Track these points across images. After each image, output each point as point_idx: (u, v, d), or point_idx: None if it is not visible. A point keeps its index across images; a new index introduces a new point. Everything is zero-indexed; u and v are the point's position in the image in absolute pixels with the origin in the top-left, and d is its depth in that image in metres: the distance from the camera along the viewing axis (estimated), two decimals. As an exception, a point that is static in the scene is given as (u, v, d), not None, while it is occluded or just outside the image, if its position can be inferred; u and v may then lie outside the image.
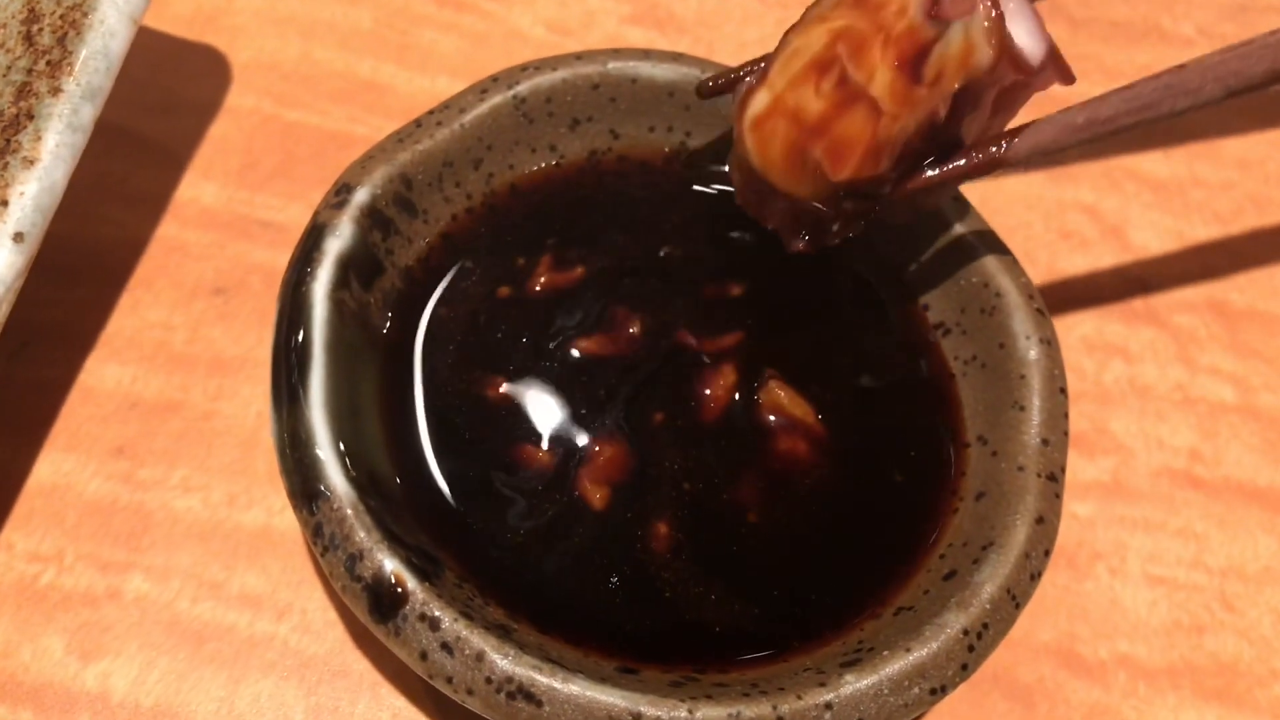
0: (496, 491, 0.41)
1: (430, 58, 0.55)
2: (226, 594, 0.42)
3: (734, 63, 0.54)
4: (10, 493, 0.43)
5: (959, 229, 0.46)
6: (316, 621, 0.42)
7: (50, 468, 0.43)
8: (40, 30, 0.42)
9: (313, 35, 0.54)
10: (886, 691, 0.37)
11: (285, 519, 0.44)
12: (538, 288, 0.45)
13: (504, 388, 0.43)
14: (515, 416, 0.43)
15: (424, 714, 0.41)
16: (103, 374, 0.45)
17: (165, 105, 0.50)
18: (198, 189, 0.50)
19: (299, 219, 0.49)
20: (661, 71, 0.47)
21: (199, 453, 0.44)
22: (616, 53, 0.47)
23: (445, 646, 0.36)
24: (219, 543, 0.43)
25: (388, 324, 0.43)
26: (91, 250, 0.47)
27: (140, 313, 0.47)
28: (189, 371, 0.46)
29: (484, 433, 0.42)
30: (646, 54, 0.48)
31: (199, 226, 0.49)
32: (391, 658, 0.41)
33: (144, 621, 0.41)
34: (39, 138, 0.40)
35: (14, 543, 0.42)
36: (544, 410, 0.43)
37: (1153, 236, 0.55)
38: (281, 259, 0.48)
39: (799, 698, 0.36)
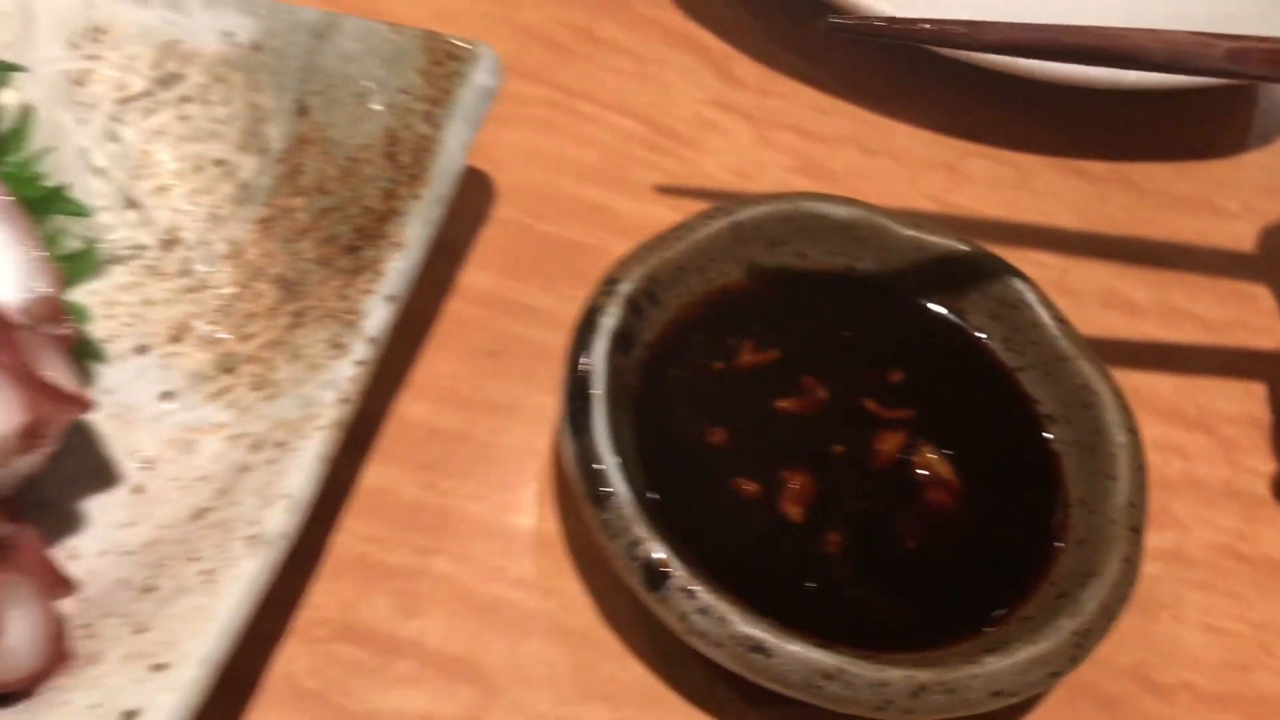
0: (718, 511, 0.55)
1: (642, 189, 0.71)
2: (506, 577, 0.56)
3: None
4: (351, 491, 0.56)
5: (1064, 345, 0.60)
6: (574, 603, 0.55)
7: (377, 474, 0.57)
8: (398, 152, 0.58)
9: (555, 167, 0.70)
10: (1017, 671, 0.50)
11: (548, 525, 0.57)
12: (742, 363, 0.60)
13: (722, 435, 0.57)
14: (732, 455, 0.57)
15: (656, 675, 0.54)
16: (412, 408, 0.59)
17: (452, 213, 0.65)
18: (475, 277, 0.65)
19: (550, 305, 0.64)
20: (839, 211, 0.63)
21: (483, 471, 0.58)
22: (806, 195, 0.63)
23: (700, 610, 0.49)
24: (500, 539, 0.57)
25: (637, 383, 0.57)
26: (405, 318, 0.61)
27: (437, 366, 0.61)
28: (473, 412, 0.60)
29: (708, 466, 0.56)
30: (828, 197, 0.63)
31: (477, 305, 0.64)
32: (632, 634, 0.55)
33: (448, 593, 0.55)
34: (404, 228, 0.55)
35: (353, 527, 0.55)
36: (752, 451, 0.57)
37: (1207, 365, 0.70)
38: (537, 334, 0.63)
39: (955, 670, 0.49)
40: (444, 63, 0.59)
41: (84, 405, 0.46)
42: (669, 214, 0.69)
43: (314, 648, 0.53)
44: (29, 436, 0.44)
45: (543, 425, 0.61)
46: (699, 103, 0.76)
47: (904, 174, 0.75)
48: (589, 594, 0.56)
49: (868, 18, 0.63)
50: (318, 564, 0.54)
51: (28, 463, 0.46)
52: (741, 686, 0.54)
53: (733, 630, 0.49)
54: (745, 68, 0.78)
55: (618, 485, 0.51)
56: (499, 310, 0.64)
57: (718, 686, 0.54)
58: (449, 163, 0.57)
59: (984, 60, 0.71)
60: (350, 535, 0.56)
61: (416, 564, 0.56)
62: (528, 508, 0.58)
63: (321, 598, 0.54)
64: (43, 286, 0.49)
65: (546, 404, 0.61)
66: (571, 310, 0.63)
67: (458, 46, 0.59)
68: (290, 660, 0.52)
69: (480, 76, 0.59)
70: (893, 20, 0.58)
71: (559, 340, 0.62)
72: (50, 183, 0.56)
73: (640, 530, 0.50)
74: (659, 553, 0.50)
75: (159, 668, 0.44)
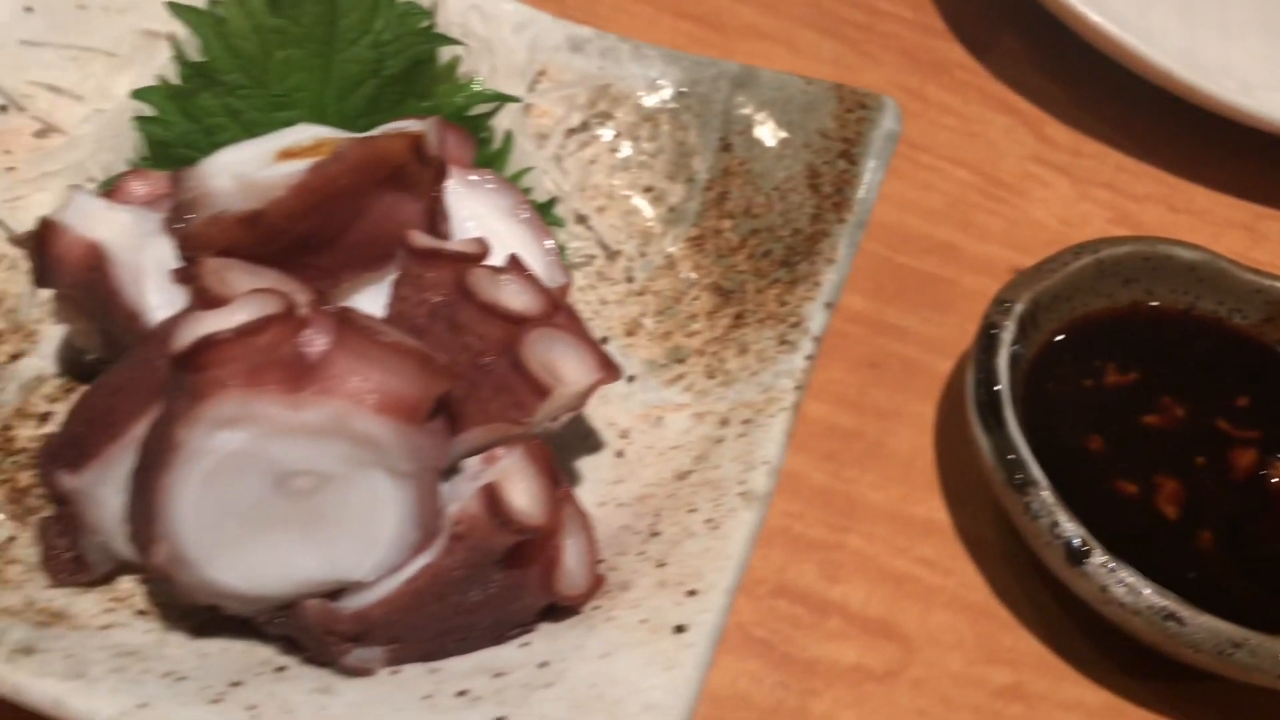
0: (1102, 506, 0.62)
1: (982, 231, 0.79)
2: (911, 556, 0.63)
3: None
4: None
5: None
6: (970, 582, 0.63)
7: (790, 461, 0.65)
8: (821, 183, 0.67)
9: (905, 208, 0.79)
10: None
11: (939, 515, 0.65)
12: (1107, 383, 0.68)
13: (1099, 442, 0.65)
14: (1109, 460, 0.64)
15: (1046, 646, 0.61)
16: (812, 407, 0.68)
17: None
18: (850, 299, 0.73)
19: (916, 327, 0.73)
20: (1189, 254, 0.70)
21: (878, 465, 0.67)
22: (1160, 239, 0.71)
23: (1121, 583, 0.56)
24: (900, 524, 0.65)
25: (1023, 393, 0.65)
26: (790, 329, 0.70)
27: (828, 373, 0.70)
28: (862, 414, 0.69)
29: (1089, 468, 0.64)
30: (1179, 242, 0.71)
31: (854, 323, 0.72)
32: (1023, 610, 0.62)
33: (863, 565, 0.63)
34: (835, 247, 0.64)
35: (776, 504, 0.63)
36: (1127, 457, 0.64)
37: None
38: (908, 350, 0.71)
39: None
40: (855, 110, 0.69)
41: (618, 373, 0.55)
42: (1009, 253, 0.77)
43: (758, 603, 0.61)
44: (588, 395, 0.54)
45: (924, 429, 0.69)
46: (1021, 158, 0.84)
47: (1207, 231, 0.83)
48: (981, 575, 0.64)
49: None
50: (753, 532, 0.63)
51: (566, 420, 0.55)
52: (1120, 659, 0.61)
53: (1150, 601, 0.56)
54: (1057, 130, 0.87)
55: (1035, 473, 0.59)
56: (873, 328, 0.73)
57: (1100, 658, 0.61)
58: (866, 193, 0.66)
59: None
60: (775, 511, 0.63)
61: (833, 539, 0.64)
62: (921, 499, 0.66)
63: (758, 561, 0.62)
64: (559, 277, 0.59)
65: (925, 411, 0.70)
66: (935, 332, 0.72)
67: (868, 96, 0.69)
68: (739, 611, 0.60)
69: (888, 122, 0.68)
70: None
71: (928, 357, 0.71)
72: (541, 198, 0.66)
73: (1061, 513, 0.58)
74: (1079, 533, 0.58)
75: (692, 593, 0.52)
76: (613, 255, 0.69)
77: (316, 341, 0.47)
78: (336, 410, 0.46)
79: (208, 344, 0.45)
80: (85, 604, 0.52)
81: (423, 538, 0.50)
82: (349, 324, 0.47)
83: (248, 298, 0.47)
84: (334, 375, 0.46)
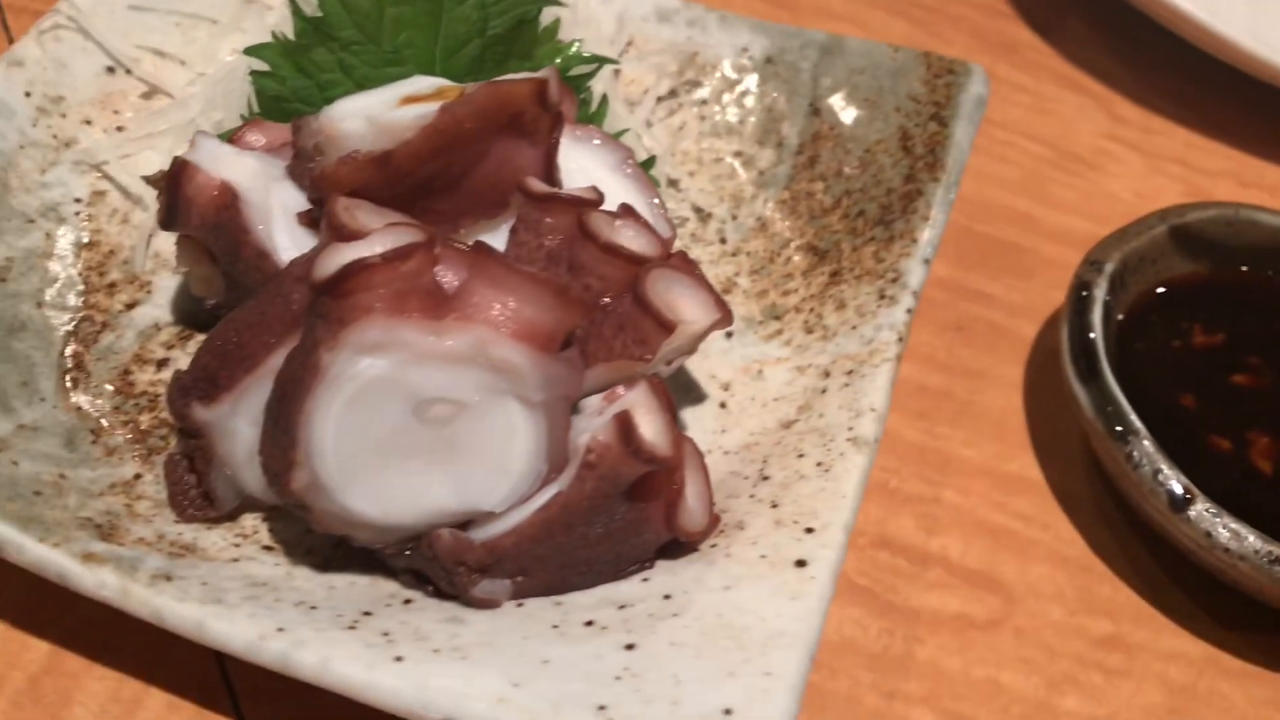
0: (1197, 460, 0.63)
1: (1059, 202, 0.80)
2: (1007, 510, 0.64)
3: None
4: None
5: None
6: (1066, 537, 0.64)
7: (892, 422, 0.66)
8: (913, 145, 0.68)
9: (983, 180, 0.80)
10: None
11: (1031, 473, 0.66)
12: (1195, 343, 0.68)
13: (1191, 400, 0.66)
14: (1202, 417, 0.65)
15: (1143, 598, 0.62)
16: (904, 369, 0.67)
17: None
18: (934, 266, 0.73)
19: (1000, 293, 0.74)
20: (1273, 220, 0.71)
21: (969, 423, 0.67)
22: (1243, 205, 0.72)
23: (1225, 529, 0.57)
24: (994, 480, 0.65)
25: (1114, 351, 0.66)
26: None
27: (917, 336, 0.70)
28: (951, 374, 0.69)
29: (1184, 424, 0.64)
30: (1261, 209, 0.72)
31: (939, 288, 0.73)
32: (1119, 564, 0.63)
33: (959, 518, 0.63)
34: (930, 204, 0.65)
35: (878, 464, 0.64)
36: (1219, 414, 0.65)
37: None
38: (993, 315, 0.72)
39: None
40: (943, 75, 0.70)
41: (732, 317, 0.56)
42: (1087, 224, 0.78)
43: (859, 553, 0.61)
44: (705, 336, 0.54)
45: (1013, 390, 0.70)
46: (1093, 135, 0.85)
47: (1277, 205, 0.84)
48: (1077, 530, 0.64)
49: None
50: (852, 485, 0.63)
51: (677, 366, 0.56)
52: (1217, 612, 0.62)
53: (1256, 545, 0.57)
54: (1127, 108, 0.88)
55: (1135, 423, 0.60)
56: (957, 294, 0.74)
57: (1198, 611, 0.62)
58: (959, 153, 0.67)
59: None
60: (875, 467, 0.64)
61: (929, 493, 0.64)
62: (1013, 455, 0.67)
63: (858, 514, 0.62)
64: (666, 229, 0.60)
65: (1013, 373, 0.70)
66: (1018, 298, 0.73)
67: (956, 62, 0.70)
68: (842, 560, 0.61)
69: (976, 87, 0.69)
70: None
71: (1013, 322, 0.72)
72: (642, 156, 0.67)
73: (1162, 462, 0.59)
74: (1181, 480, 0.58)
75: (809, 530, 0.53)
76: (705, 218, 0.70)
77: (454, 272, 0.48)
78: (476, 337, 0.47)
79: (355, 269, 0.46)
80: (213, 539, 0.53)
81: (550, 470, 0.50)
82: (485, 256, 0.48)
83: (386, 230, 0.48)
84: (474, 303, 0.47)
